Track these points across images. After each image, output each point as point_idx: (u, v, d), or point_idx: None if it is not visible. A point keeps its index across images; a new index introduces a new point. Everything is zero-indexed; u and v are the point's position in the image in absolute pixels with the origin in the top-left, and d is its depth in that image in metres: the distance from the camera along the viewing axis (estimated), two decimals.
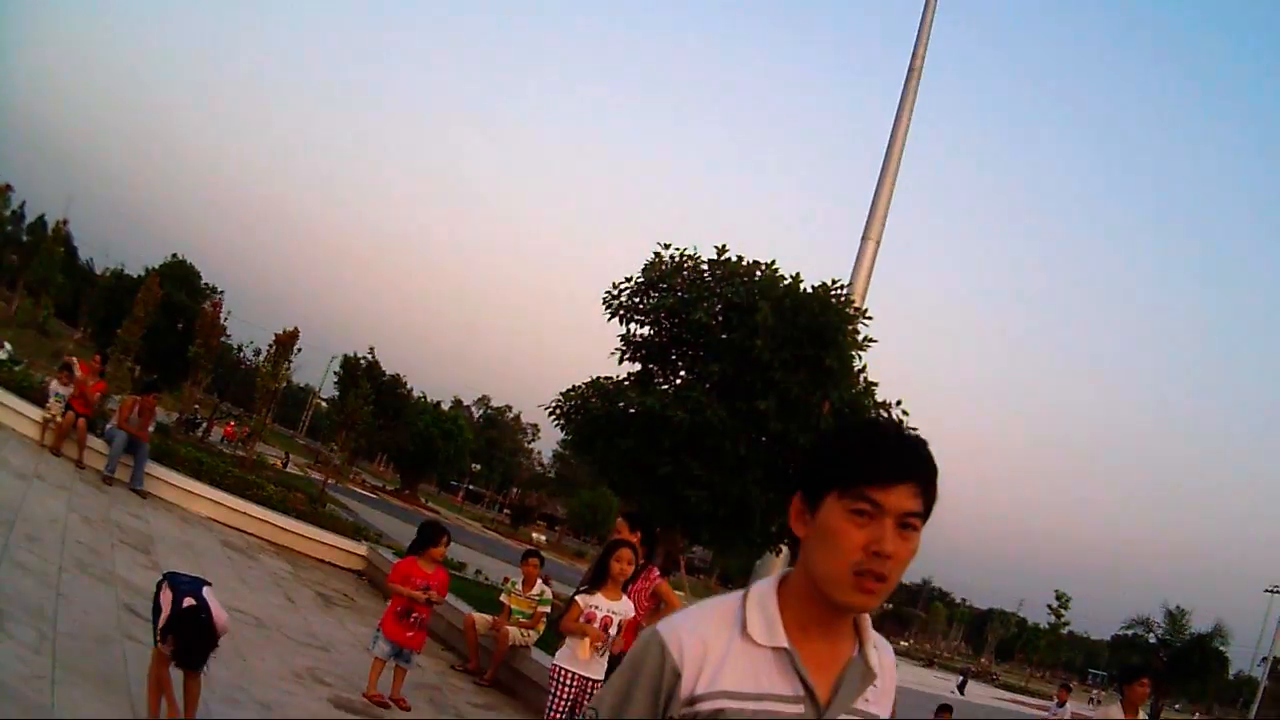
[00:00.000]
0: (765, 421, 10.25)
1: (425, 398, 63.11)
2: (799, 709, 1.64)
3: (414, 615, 7.37)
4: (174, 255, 49.08)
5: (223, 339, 30.61)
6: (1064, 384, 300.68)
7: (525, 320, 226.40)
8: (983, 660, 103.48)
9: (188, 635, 4.69)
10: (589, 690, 6.15)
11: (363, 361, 53.12)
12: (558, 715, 6.14)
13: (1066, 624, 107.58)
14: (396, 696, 7.28)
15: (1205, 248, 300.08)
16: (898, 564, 1.61)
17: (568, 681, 6.15)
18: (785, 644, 1.67)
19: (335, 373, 57.00)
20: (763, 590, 1.73)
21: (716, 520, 10.63)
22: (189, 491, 12.28)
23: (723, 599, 1.75)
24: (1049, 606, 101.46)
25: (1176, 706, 68.29)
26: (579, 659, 6.12)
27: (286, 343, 22.47)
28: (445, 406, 69.31)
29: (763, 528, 10.69)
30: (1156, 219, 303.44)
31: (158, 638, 4.78)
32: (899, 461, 1.65)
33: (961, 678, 52.45)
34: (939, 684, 45.48)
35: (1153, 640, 42.13)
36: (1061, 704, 15.60)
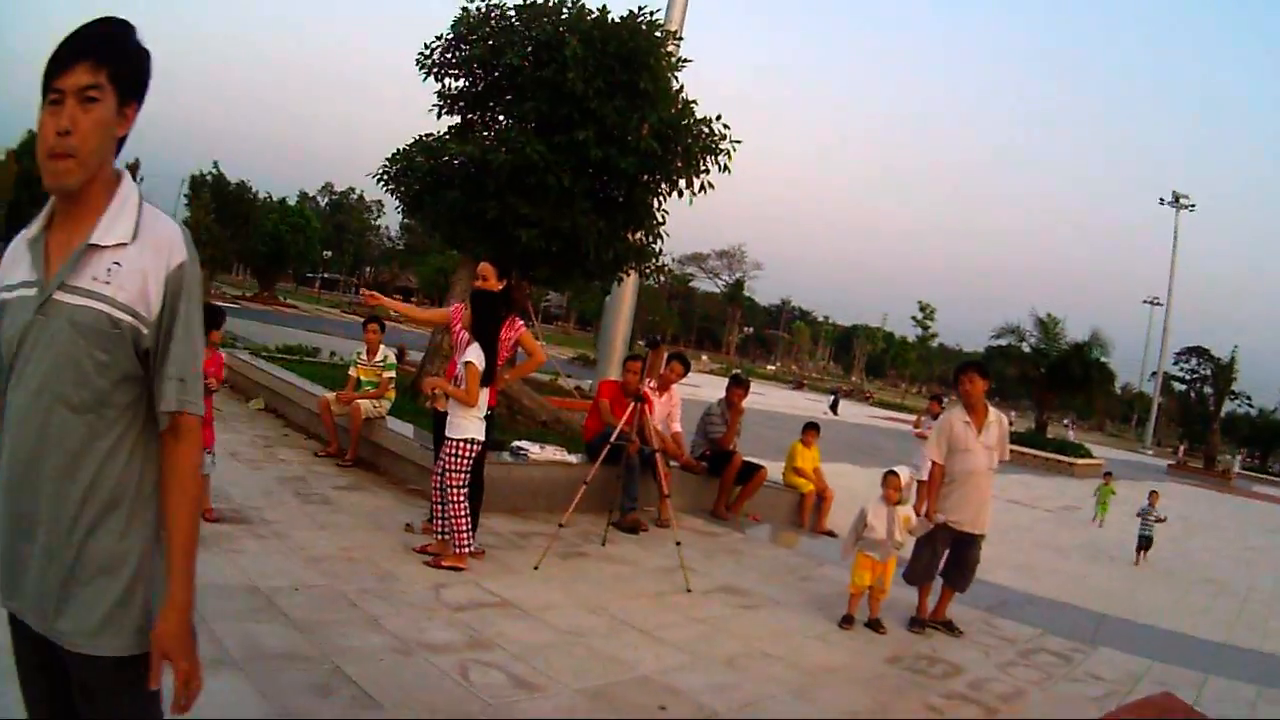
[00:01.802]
0: (586, 151, 10.22)
1: (270, 197, 63.98)
2: (34, 291, 1.89)
3: None
4: (30, 131, 47.56)
5: None
6: (913, 88, 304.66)
7: (363, 98, 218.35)
8: (853, 379, 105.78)
9: None
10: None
11: (208, 177, 56.84)
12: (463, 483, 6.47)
13: (934, 335, 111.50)
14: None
15: None
16: (81, 136, 1.84)
17: (467, 453, 6.47)
18: (32, 234, 1.95)
19: (185, 195, 59.71)
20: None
21: (550, 257, 10.78)
22: None
23: None
24: (913, 318, 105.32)
25: (1065, 422, 67.57)
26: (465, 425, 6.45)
27: (130, 172, 22.10)
28: (292, 202, 69.14)
29: (598, 257, 10.87)
30: None
31: None
32: (69, 49, 1.84)
33: (833, 398, 52.96)
34: (810, 406, 45.83)
35: (1027, 350, 40.32)
36: (934, 416, 14.61)
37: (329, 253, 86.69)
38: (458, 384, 6.51)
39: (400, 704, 4.08)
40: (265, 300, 57.04)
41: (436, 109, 11.57)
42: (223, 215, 54.11)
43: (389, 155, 11.46)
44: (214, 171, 56.13)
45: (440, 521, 6.52)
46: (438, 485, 6.55)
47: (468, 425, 6.44)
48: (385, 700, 4.08)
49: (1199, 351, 66.20)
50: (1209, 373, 63.26)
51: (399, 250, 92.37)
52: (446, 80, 11.41)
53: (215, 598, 4.79)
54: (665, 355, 10.17)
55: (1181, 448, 68.84)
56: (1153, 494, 15.82)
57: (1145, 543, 14.90)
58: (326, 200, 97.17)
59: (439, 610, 5.46)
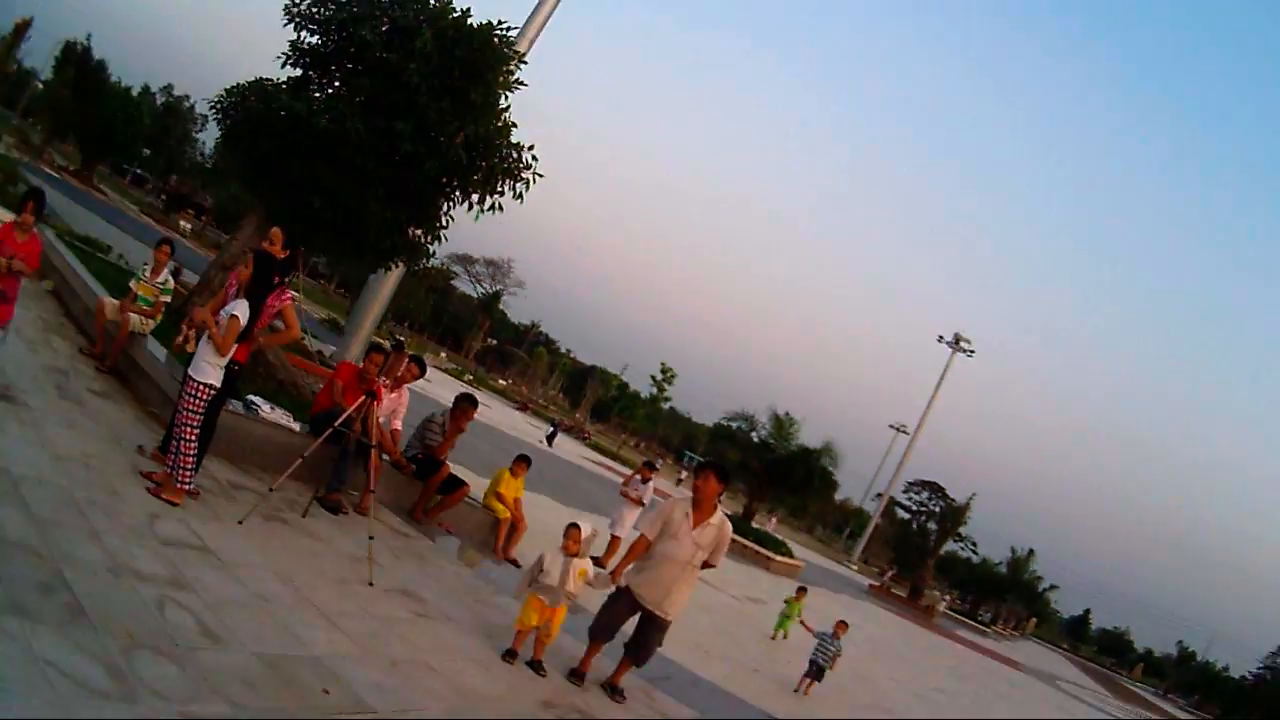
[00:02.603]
0: (400, 142, 10.45)
1: (120, 83, 64.80)
2: None
3: None
4: None
5: None
6: (697, 142, 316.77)
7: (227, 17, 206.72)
8: (577, 415, 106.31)
9: None
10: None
11: (79, 47, 59.42)
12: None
13: (669, 399, 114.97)
14: None
15: None
16: None
17: (204, 395, 6.64)
18: None
19: (55, 57, 62.53)
20: None
21: (334, 230, 10.88)
22: None
23: None
24: (653, 377, 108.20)
25: (775, 517, 64.79)
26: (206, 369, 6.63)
27: (21, 29, 21.64)
28: (135, 94, 70.23)
29: (376, 242, 11.05)
30: None
31: None
32: None
33: (552, 429, 52.51)
34: (529, 430, 46.82)
35: (755, 440, 38.94)
36: (645, 481, 15.51)
37: (148, 150, 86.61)
38: (219, 328, 6.65)
39: (104, 623, 4.27)
40: (82, 179, 57.54)
41: (284, 58, 11.44)
42: (77, 89, 57.86)
43: (227, 87, 11.33)
44: (85, 44, 59.82)
45: (170, 455, 6.60)
46: (174, 420, 6.66)
47: (208, 369, 6.63)
48: (94, 616, 4.29)
49: (933, 486, 66.50)
50: (938, 509, 63.56)
51: (207, 168, 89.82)
52: (303, 34, 11.31)
53: None
54: (406, 359, 10.48)
55: (889, 572, 66.68)
56: (839, 624, 13.26)
57: (816, 671, 12.52)
58: (163, 100, 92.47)
59: (150, 540, 5.61)
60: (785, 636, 15.85)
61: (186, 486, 6.56)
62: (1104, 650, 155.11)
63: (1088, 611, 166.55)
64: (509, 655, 6.94)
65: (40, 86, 77.29)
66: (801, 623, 14.62)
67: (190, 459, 6.50)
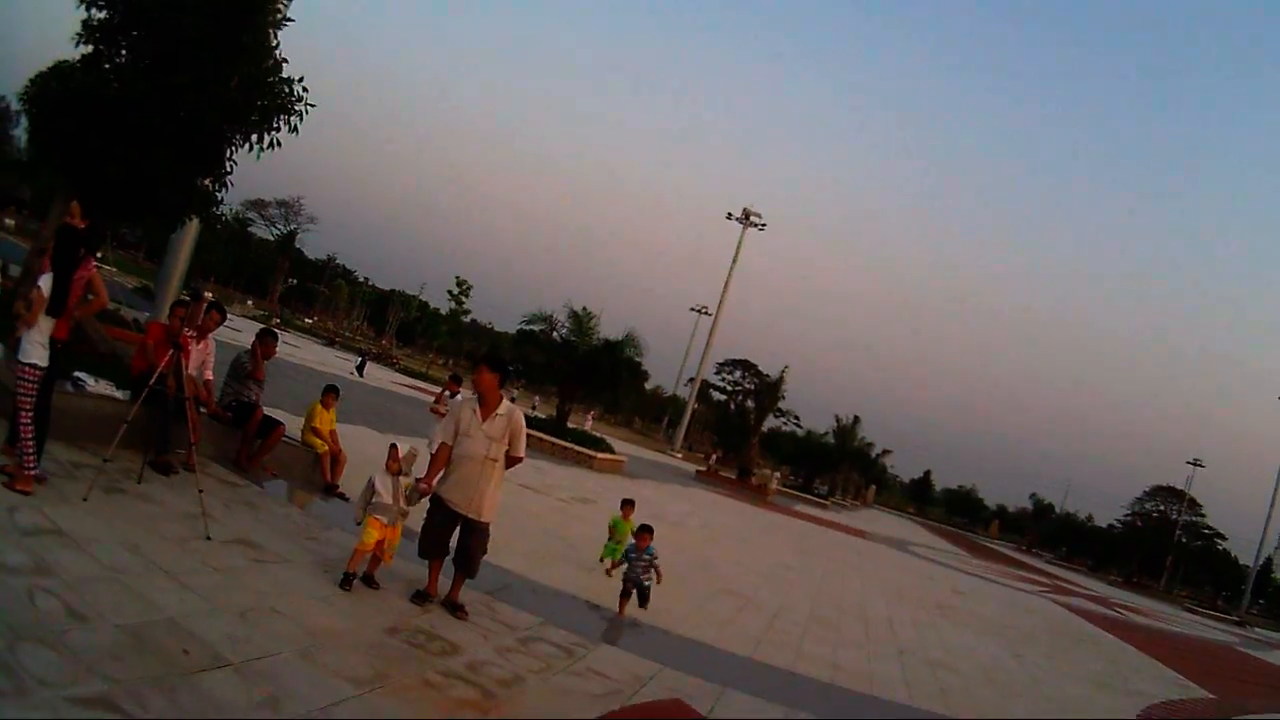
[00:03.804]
0: (181, 96, 10.68)
1: None
2: None
3: None
4: None
5: None
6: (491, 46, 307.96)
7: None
8: (383, 342, 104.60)
9: None
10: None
11: None
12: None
13: (468, 312, 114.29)
14: None
15: None
16: None
17: (31, 376, 7.01)
18: None
19: None
20: None
21: (129, 194, 11.08)
22: None
23: None
24: (449, 293, 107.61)
25: (593, 414, 64.03)
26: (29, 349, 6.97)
27: None
28: None
29: (167, 200, 11.33)
30: None
31: None
32: None
33: (361, 359, 52.71)
34: (340, 364, 46.49)
35: (557, 339, 38.12)
36: (454, 395, 15.62)
37: None
38: (27, 309, 7.05)
39: None
40: None
41: (78, 37, 11.41)
42: None
43: (31, 77, 11.34)
44: None
45: (17, 444, 6.96)
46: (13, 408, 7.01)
47: (31, 350, 7.01)
48: None
49: (745, 364, 67.28)
50: (753, 387, 63.54)
51: (23, 161, 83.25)
52: (92, 10, 11.29)
53: None
54: (206, 305, 10.69)
55: (714, 455, 66.21)
56: (643, 532, 10.86)
57: (636, 592, 10.39)
58: None
59: (12, 533, 6.07)
60: (615, 565, 11.72)
61: (33, 472, 6.94)
62: (953, 510, 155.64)
63: (928, 473, 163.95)
64: (346, 582, 7.34)
65: None
66: (608, 572, 12.06)
67: (30, 444, 6.89)
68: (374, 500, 7.62)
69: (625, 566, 10.59)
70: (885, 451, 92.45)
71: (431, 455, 7.79)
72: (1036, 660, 16.74)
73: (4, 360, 9.11)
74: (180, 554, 6.92)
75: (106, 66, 11.43)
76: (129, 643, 5.12)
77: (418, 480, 7.74)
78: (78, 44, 11.47)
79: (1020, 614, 26.22)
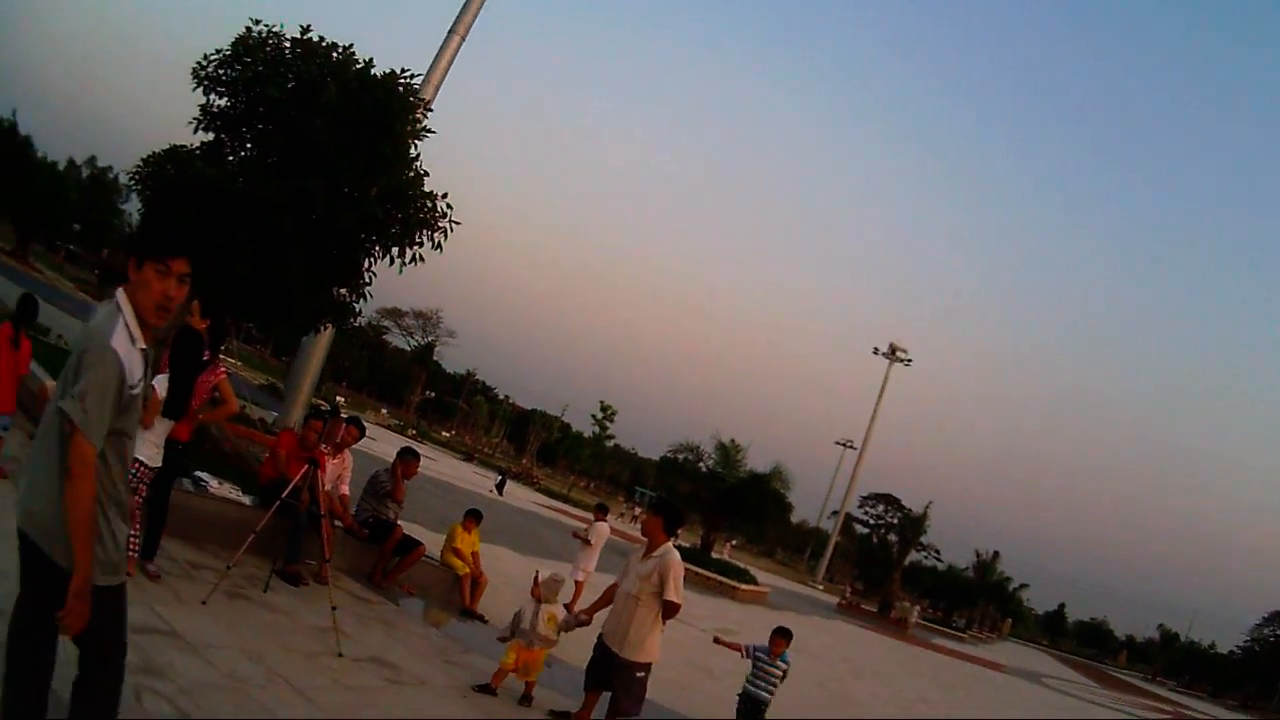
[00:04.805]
0: (314, 201, 10.33)
1: (46, 158, 67.05)
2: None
3: None
4: None
5: None
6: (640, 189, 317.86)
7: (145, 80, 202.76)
8: (524, 461, 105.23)
9: None
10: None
11: (4, 123, 60.48)
12: None
13: (611, 437, 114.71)
14: None
15: None
16: (178, 301, 3.29)
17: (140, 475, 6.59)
18: (143, 346, 3.29)
19: None
20: (126, 313, 3.22)
21: (258, 295, 10.69)
22: None
23: (110, 314, 3.23)
24: (594, 416, 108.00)
25: (733, 543, 63.13)
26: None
27: None
28: (61, 167, 72.53)
29: (300, 305, 10.89)
30: None
31: None
32: (178, 243, 3.29)
33: (500, 477, 51.63)
34: (478, 480, 46.28)
35: (704, 470, 37.73)
36: (597, 522, 15.09)
37: (78, 225, 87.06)
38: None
39: None
40: (18, 258, 58.27)
41: (196, 122, 11.17)
42: (5, 166, 58.04)
43: (144, 157, 11.06)
44: (10, 120, 61.01)
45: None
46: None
47: (143, 448, 6.53)
48: None
49: (888, 499, 66.15)
50: (895, 520, 63.05)
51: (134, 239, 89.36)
52: (212, 96, 11.10)
53: None
54: (344, 422, 10.29)
55: (850, 587, 66.99)
56: (778, 636, 9.32)
57: (751, 708, 9.03)
58: (88, 174, 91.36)
59: None
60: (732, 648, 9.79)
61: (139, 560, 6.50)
62: (1084, 642, 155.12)
63: (1062, 605, 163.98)
64: (483, 689, 7.40)
65: None
66: (718, 639, 10.27)
67: (134, 540, 6.36)
68: (518, 625, 7.64)
69: (749, 672, 9.28)
70: (1023, 585, 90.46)
71: (579, 584, 7.84)
72: None
73: None
74: (309, 668, 6.30)
75: (230, 158, 11.19)
76: None
77: (579, 612, 7.80)
78: (196, 129, 11.24)
79: None
